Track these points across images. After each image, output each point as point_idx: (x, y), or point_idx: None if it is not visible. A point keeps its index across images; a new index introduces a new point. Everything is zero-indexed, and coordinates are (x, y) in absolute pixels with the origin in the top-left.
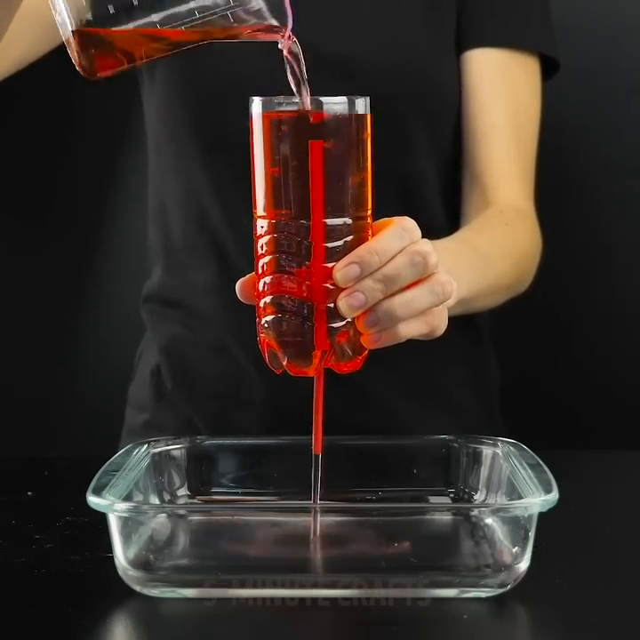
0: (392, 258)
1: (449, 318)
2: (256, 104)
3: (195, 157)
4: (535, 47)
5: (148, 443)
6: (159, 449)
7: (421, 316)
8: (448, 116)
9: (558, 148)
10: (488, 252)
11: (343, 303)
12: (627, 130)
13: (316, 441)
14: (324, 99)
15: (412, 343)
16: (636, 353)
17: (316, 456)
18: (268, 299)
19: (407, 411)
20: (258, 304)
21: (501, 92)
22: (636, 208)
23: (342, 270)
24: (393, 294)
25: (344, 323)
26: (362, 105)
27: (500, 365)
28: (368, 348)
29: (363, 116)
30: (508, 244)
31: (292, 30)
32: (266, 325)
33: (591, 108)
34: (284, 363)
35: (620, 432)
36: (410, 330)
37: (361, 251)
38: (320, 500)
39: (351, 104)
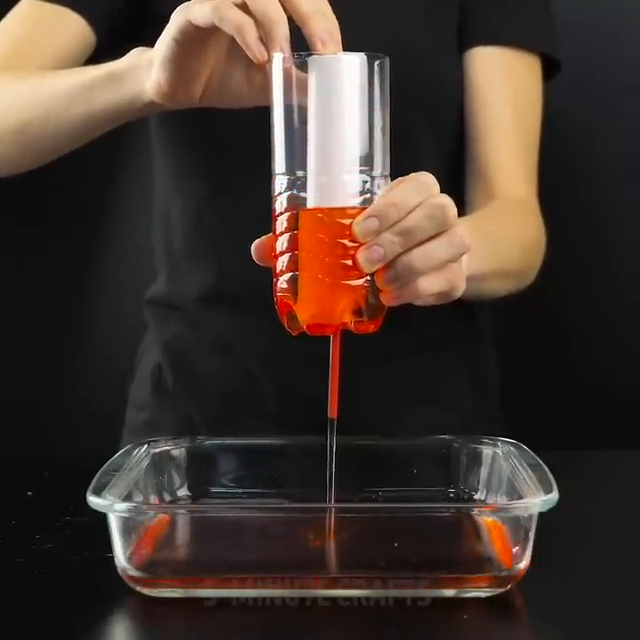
0: (411, 211)
1: (449, 317)
2: (277, 58)
3: (192, 164)
4: (537, 46)
5: (148, 443)
6: (159, 449)
7: (441, 272)
8: (450, 114)
9: (557, 148)
10: (495, 236)
11: (362, 257)
12: (626, 129)
13: (332, 404)
14: (343, 54)
15: (412, 342)
16: (635, 353)
17: (331, 420)
18: (285, 257)
19: (407, 410)
20: (275, 264)
21: (504, 89)
22: (636, 208)
23: (361, 224)
24: (411, 248)
25: (363, 281)
26: (380, 63)
27: (500, 365)
28: (388, 305)
29: (382, 74)
30: (513, 232)
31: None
32: (285, 285)
33: (591, 107)
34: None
35: (619, 432)
36: (429, 285)
37: (379, 204)
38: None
39: (371, 61)
